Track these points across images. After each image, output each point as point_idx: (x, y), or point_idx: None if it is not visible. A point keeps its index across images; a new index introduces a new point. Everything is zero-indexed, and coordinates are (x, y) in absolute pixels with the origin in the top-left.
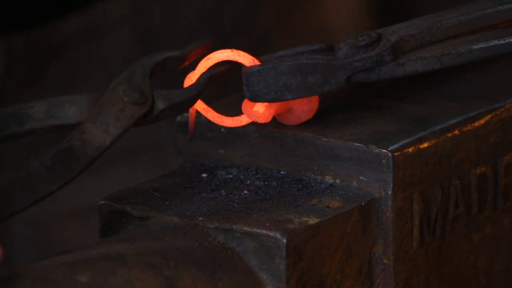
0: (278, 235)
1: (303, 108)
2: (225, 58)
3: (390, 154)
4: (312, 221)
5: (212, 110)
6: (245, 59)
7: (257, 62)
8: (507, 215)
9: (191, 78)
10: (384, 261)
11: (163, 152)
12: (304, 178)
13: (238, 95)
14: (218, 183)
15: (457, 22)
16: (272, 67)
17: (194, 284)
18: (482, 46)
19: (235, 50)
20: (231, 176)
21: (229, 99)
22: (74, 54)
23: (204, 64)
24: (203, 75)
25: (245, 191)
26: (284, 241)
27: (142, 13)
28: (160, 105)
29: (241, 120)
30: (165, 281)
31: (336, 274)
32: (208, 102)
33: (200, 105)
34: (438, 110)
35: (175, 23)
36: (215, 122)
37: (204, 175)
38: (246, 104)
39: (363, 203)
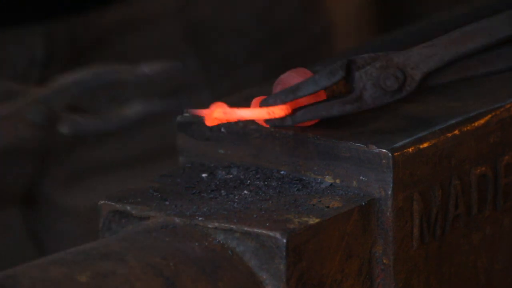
0: (278, 235)
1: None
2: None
3: (390, 154)
4: (312, 221)
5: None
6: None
7: (289, 111)
8: (507, 215)
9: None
10: (384, 261)
11: (169, 160)
12: (304, 178)
13: (238, 95)
14: (218, 183)
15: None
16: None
17: (194, 284)
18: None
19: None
20: (231, 176)
21: (230, 99)
22: (117, 44)
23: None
24: (143, 106)
25: (245, 191)
26: (284, 241)
27: (189, 7)
28: (63, 130)
29: (273, 111)
30: (165, 281)
31: (336, 274)
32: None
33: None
34: (438, 110)
35: (222, 18)
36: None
37: (204, 175)
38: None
39: (363, 203)
